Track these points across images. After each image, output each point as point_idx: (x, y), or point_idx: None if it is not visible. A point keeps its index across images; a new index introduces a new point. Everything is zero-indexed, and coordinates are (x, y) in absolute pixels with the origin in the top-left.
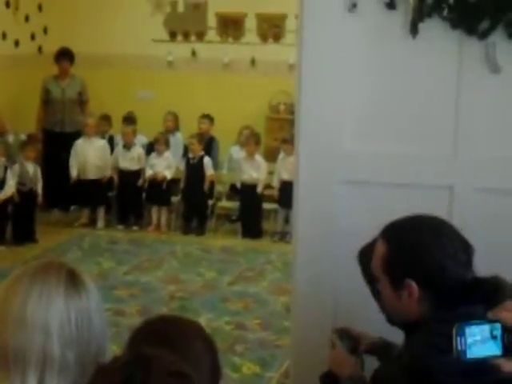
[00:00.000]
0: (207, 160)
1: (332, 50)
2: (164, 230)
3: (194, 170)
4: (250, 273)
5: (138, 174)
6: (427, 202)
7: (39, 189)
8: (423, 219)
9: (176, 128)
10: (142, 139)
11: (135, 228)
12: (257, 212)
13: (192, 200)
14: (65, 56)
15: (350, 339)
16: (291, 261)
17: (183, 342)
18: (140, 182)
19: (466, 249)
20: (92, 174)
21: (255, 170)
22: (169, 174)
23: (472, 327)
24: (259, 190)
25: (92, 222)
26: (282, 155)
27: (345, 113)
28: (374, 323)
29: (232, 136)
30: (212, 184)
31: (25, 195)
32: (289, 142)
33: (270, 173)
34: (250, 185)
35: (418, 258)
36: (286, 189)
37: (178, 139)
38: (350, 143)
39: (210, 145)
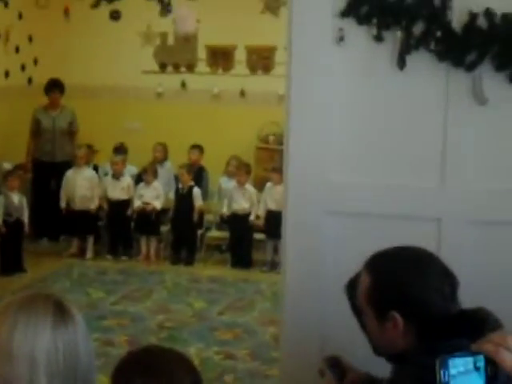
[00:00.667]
0: (196, 191)
1: (320, 82)
2: (153, 259)
3: (184, 200)
4: (239, 303)
5: (127, 203)
6: (415, 233)
7: (25, 218)
8: (407, 251)
9: (165, 158)
10: (132, 170)
11: (124, 258)
12: (247, 242)
13: (181, 230)
14: (55, 87)
15: (338, 368)
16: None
17: (168, 374)
18: (129, 211)
19: (450, 281)
20: (81, 204)
21: (246, 200)
22: (158, 205)
23: (455, 359)
24: (252, 218)
25: (81, 252)
26: (269, 184)
27: (332, 144)
28: (361, 355)
29: (222, 166)
30: (201, 214)
31: (11, 225)
32: (277, 171)
33: (259, 202)
34: (241, 215)
35: (402, 291)
36: (272, 218)
37: (167, 169)
38: (338, 174)
39: (199, 175)
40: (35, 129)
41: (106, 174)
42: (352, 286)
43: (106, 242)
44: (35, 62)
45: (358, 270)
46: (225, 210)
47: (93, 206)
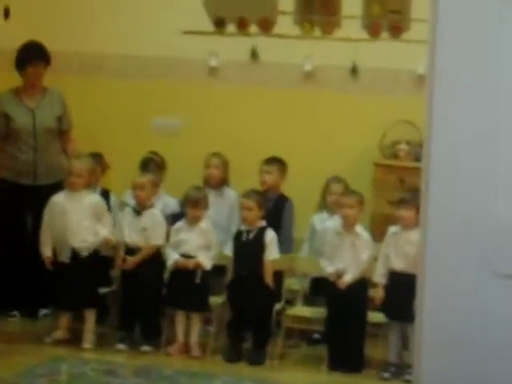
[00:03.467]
0: (271, 236)
1: (491, 54)
2: (196, 352)
3: (249, 251)
4: None
5: (155, 256)
6: None
7: None
8: None
9: (224, 180)
10: (170, 203)
11: (146, 348)
12: (356, 327)
13: (244, 303)
14: (38, 55)
15: None
16: None
17: None
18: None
19: None
20: (74, 253)
21: (359, 251)
22: (207, 260)
23: None
24: (346, 279)
25: (74, 337)
26: (394, 229)
27: (503, 159)
28: None
29: (314, 194)
30: (279, 277)
31: None
32: (409, 204)
33: (375, 259)
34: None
35: None
36: (399, 287)
37: (228, 199)
38: None
39: (278, 209)
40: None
41: (124, 206)
42: None
43: (117, 320)
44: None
45: None
46: (327, 269)
47: (99, 254)
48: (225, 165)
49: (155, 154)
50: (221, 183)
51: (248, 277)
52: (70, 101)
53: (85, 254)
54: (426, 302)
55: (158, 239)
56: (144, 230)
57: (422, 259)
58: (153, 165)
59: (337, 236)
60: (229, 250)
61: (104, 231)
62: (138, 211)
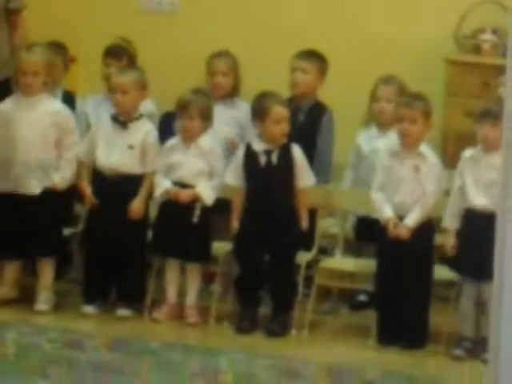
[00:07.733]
0: (300, 154)
1: None
2: (193, 318)
3: (268, 179)
4: None
5: (137, 183)
6: None
7: None
8: None
9: (234, 86)
10: (148, 107)
11: (124, 312)
12: (418, 286)
13: (259, 251)
14: None
15: None
16: None
17: None
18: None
19: None
20: (29, 181)
21: (425, 180)
22: (209, 191)
23: None
24: (409, 222)
25: (24, 296)
26: (471, 152)
27: None
28: None
29: (361, 105)
30: (312, 215)
31: None
32: (496, 119)
33: (447, 193)
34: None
35: None
36: (480, 231)
37: (237, 110)
38: None
39: (313, 122)
40: None
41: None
42: None
43: (84, 272)
44: None
45: None
46: (383, 210)
47: (56, 184)
48: (235, 68)
49: (125, 40)
50: (229, 90)
51: (265, 212)
52: None
53: (39, 185)
54: (507, 251)
55: (153, 162)
56: (131, 149)
57: (502, 190)
58: (125, 56)
59: (392, 158)
60: (231, 178)
61: (68, 154)
62: (123, 122)
